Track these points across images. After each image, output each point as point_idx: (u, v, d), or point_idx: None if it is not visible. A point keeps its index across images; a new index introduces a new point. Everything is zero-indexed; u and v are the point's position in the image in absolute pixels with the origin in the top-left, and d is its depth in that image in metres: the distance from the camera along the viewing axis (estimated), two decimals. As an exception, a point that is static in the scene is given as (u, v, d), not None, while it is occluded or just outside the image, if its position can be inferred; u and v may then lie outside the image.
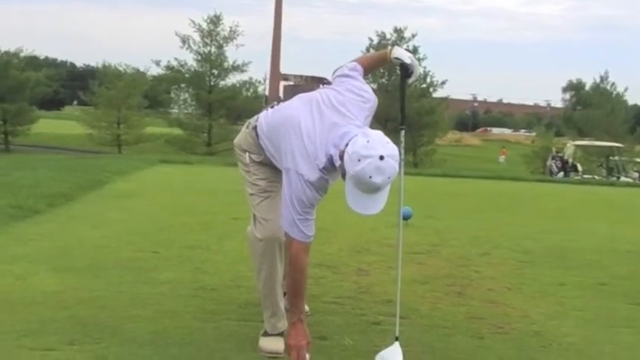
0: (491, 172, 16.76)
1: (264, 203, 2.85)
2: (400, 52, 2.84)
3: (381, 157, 2.34)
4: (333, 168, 2.57)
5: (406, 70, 2.82)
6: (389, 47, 2.87)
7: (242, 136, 2.98)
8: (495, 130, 73.53)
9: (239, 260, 4.30)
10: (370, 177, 2.35)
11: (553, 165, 26.99)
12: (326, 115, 2.63)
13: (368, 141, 2.39)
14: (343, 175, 2.49)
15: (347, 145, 2.44)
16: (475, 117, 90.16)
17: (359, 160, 2.36)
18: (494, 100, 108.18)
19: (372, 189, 2.40)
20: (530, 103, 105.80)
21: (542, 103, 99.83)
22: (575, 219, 7.67)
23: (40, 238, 4.87)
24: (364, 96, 2.73)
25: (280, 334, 2.90)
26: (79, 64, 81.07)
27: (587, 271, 4.76)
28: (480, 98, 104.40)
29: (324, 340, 3.02)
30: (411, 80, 2.88)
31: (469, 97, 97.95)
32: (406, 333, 3.09)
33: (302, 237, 2.62)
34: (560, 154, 28.16)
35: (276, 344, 2.85)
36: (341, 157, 2.47)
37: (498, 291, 4.07)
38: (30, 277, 3.79)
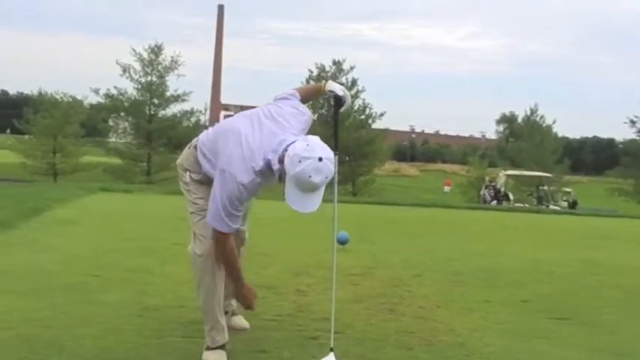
0: (428, 201, 17.21)
1: (203, 221, 3.03)
2: (333, 86, 3.20)
3: (320, 159, 2.63)
4: (269, 172, 2.82)
5: (339, 101, 3.17)
6: (323, 81, 3.18)
7: (184, 156, 3.21)
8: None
9: (182, 282, 4.41)
10: (310, 176, 2.63)
11: (486, 194, 27.95)
12: (265, 124, 2.92)
13: (307, 144, 2.68)
14: (280, 178, 2.76)
15: (285, 150, 2.72)
16: (413, 148, 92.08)
17: (300, 162, 2.64)
18: (431, 131, 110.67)
19: (310, 188, 2.67)
20: (467, 134, 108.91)
21: (478, 135, 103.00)
22: (503, 243, 8.11)
23: (-20, 264, 4.87)
24: (301, 110, 3.08)
25: (222, 347, 3.07)
26: (12, 91, 79.07)
27: (511, 289, 5.10)
28: (417, 130, 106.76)
29: (264, 353, 3.21)
30: (342, 109, 3.22)
31: (407, 129, 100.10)
32: (341, 346, 3.31)
33: (227, 229, 2.89)
34: (493, 184, 29.15)
35: (218, 357, 3.02)
36: (280, 161, 2.74)
37: (428, 308, 4.34)
38: (-28, 300, 3.84)
